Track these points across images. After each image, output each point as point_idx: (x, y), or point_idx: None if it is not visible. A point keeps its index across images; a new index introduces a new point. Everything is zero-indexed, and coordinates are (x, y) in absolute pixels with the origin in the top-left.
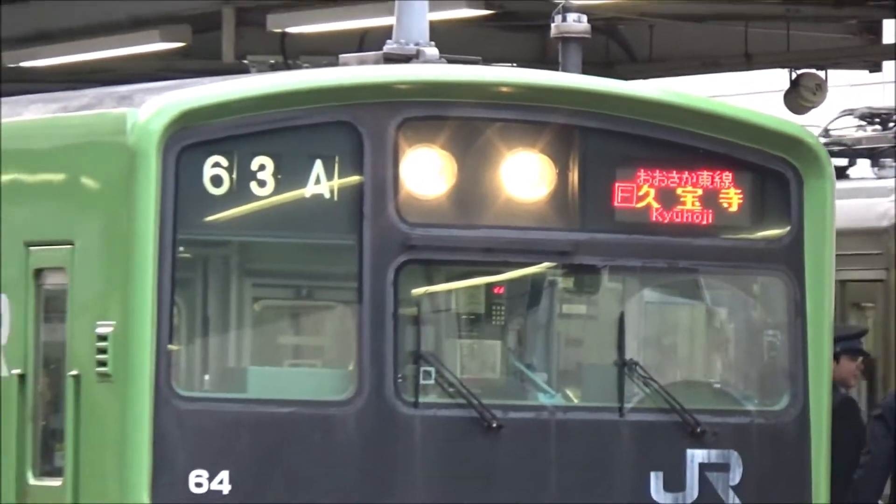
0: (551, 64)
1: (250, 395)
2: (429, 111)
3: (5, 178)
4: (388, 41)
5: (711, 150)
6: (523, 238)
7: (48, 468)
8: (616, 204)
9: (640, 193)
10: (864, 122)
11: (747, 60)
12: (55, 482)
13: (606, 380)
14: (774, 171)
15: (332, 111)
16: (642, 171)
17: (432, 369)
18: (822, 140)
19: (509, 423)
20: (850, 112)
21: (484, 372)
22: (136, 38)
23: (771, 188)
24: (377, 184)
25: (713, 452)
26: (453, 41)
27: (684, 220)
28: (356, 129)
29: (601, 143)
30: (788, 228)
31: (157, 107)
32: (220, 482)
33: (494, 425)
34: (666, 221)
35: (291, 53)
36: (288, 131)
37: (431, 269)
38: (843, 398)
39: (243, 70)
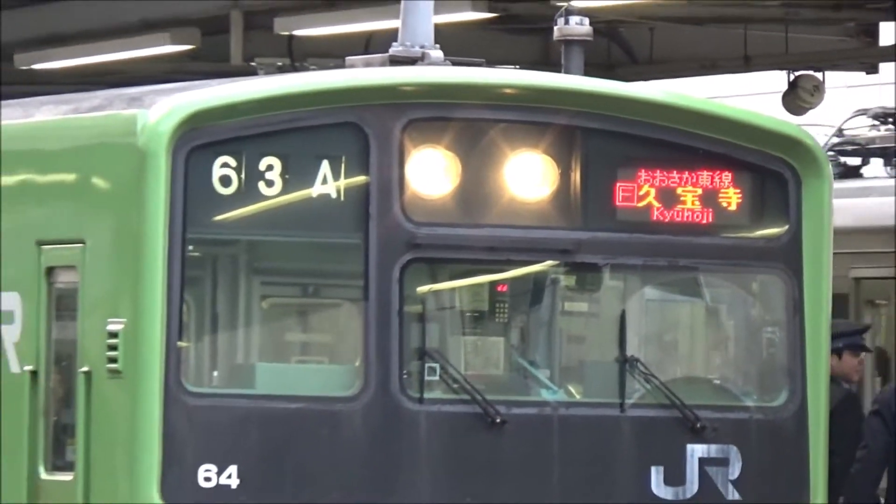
0: (554, 66)
1: (258, 391)
2: (434, 112)
3: (18, 178)
4: (394, 43)
5: (711, 150)
6: (526, 237)
7: (60, 463)
8: (617, 203)
9: (641, 193)
10: (877, 122)
11: (746, 62)
12: (66, 476)
13: (608, 376)
14: (773, 171)
15: (339, 112)
16: (643, 171)
17: (437, 366)
18: (836, 139)
19: (513, 419)
20: (863, 112)
21: (488, 368)
22: (146, 41)
23: (770, 188)
24: (383, 184)
25: (713, 447)
26: (458, 44)
27: (684, 219)
28: (362, 130)
29: (603, 144)
30: (787, 227)
31: (166, 108)
32: (229, 476)
33: (498, 421)
34: (666, 220)
35: (299, 56)
36: (295, 132)
37: (436, 267)
38: (845, 393)
39: (251, 72)
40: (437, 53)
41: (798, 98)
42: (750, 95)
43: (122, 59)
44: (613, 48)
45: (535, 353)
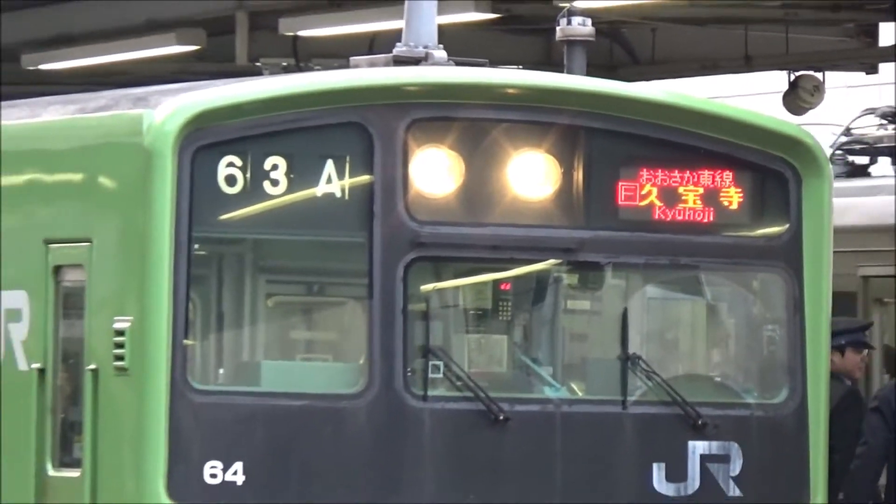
0: (556, 66)
1: (264, 388)
2: (437, 112)
3: (25, 177)
4: (398, 44)
5: (712, 149)
6: (529, 235)
7: (67, 459)
8: (619, 202)
9: (643, 192)
10: (885, 121)
11: (747, 63)
12: (74, 473)
13: (610, 373)
14: (774, 170)
15: (343, 112)
16: (645, 170)
17: (441, 363)
18: (844, 138)
19: (516, 416)
20: (871, 111)
21: (491, 366)
22: (152, 42)
23: (770, 187)
24: (387, 183)
25: (714, 444)
26: (461, 44)
27: (686, 218)
28: (366, 129)
29: (605, 144)
30: (787, 226)
31: (172, 108)
32: (235, 473)
33: (501, 418)
34: (668, 219)
35: (303, 56)
36: (300, 132)
37: (440, 265)
38: (848, 390)
39: (256, 72)
40: (441, 54)
41: (798, 98)
42: (751, 95)
43: (129, 59)
44: (615, 49)
45: (538, 351)
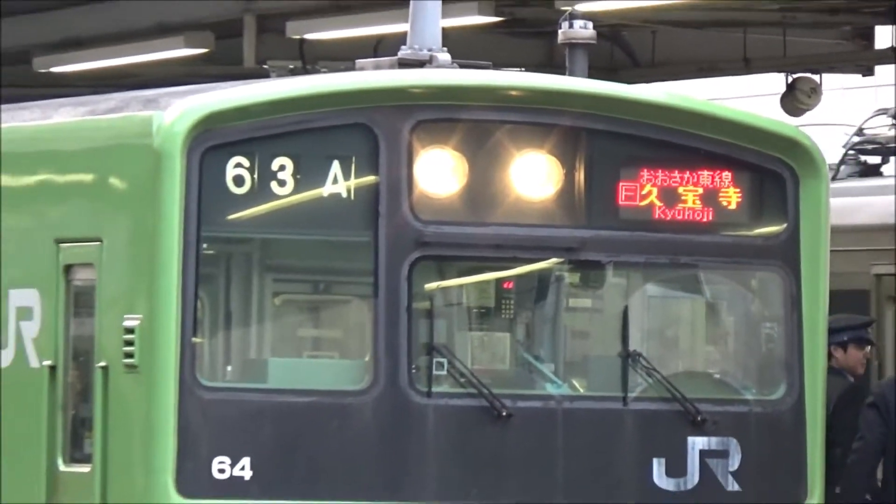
0: (558, 68)
1: (271, 385)
2: (441, 114)
3: (36, 178)
4: (403, 47)
5: (711, 150)
6: (532, 235)
7: (77, 455)
8: (620, 202)
9: (644, 192)
10: None
11: (746, 65)
12: (84, 468)
13: (611, 370)
14: (772, 170)
15: (349, 114)
16: (645, 170)
17: (445, 360)
18: (856, 138)
19: (518, 412)
20: (884, 111)
21: (494, 363)
22: (161, 45)
23: (768, 187)
24: (392, 183)
25: (713, 440)
26: (465, 47)
27: (685, 217)
28: (372, 131)
29: (606, 145)
30: (785, 226)
31: (181, 110)
32: (242, 468)
33: (504, 414)
34: (668, 219)
35: (310, 59)
36: (306, 133)
37: (444, 264)
38: (849, 386)
39: (264, 75)
40: (445, 56)
41: (796, 100)
42: (749, 97)
43: (138, 62)
44: (616, 51)
45: (540, 349)
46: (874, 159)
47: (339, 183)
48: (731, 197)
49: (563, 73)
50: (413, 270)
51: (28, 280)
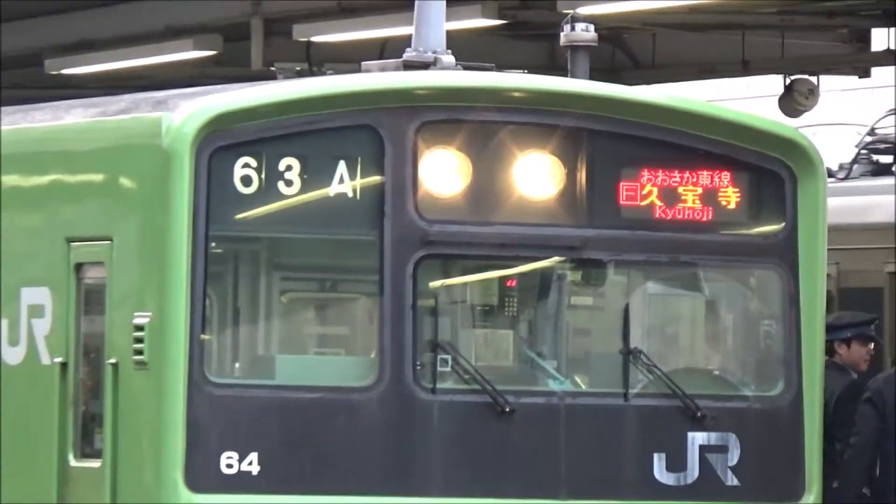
0: (560, 70)
1: (278, 381)
2: (446, 115)
3: (48, 178)
4: (408, 49)
5: (711, 151)
6: (534, 234)
7: (88, 450)
8: (621, 202)
9: (644, 192)
10: None
11: (744, 67)
12: (95, 463)
13: (612, 367)
14: (770, 170)
15: (355, 115)
16: (646, 170)
17: (449, 357)
18: (868, 138)
19: (521, 408)
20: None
21: (497, 360)
22: (170, 47)
23: (767, 187)
24: (397, 183)
25: (712, 435)
26: (469, 49)
27: (685, 217)
28: (377, 132)
29: (607, 145)
30: (783, 225)
31: (190, 111)
32: (250, 463)
33: (507, 410)
34: (668, 218)
35: (316, 61)
36: (313, 134)
37: (448, 263)
38: (851, 382)
39: (271, 77)
40: (449, 59)
41: (794, 101)
42: (748, 98)
43: (148, 64)
44: (617, 53)
45: (543, 345)
46: (886, 158)
47: (345, 183)
48: (731, 196)
49: (565, 75)
50: (418, 269)
51: (40, 278)
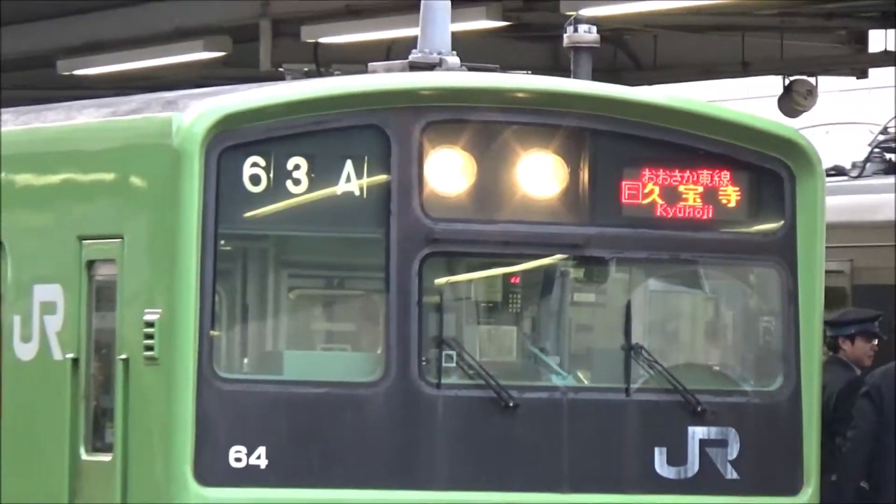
0: (563, 71)
1: (286, 376)
2: (451, 115)
3: (60, 176)
4: (413, 50)
5: (711, 150)
6: (538, 232)
7: (99, 444)
8: (623, 201)
9: (646, 191)
10: None
11: (744, 68)
12: (106, 457)
13: (614, 362)
14: (769, 170)
15: (362, 115)
16: (647, 170)
17: (454, 353)
18: (881, 137)
19: (525, 403)
20: None
21: (501, 355)
22: (180, 48)
23: (766, 186)
24: (403, 182)
25: (713, 430)
26: (473, 51)
27: (686, 215)
28: (384, 131)
29: (609, 145)
30: (782, 223)
31: (200, 111)
32: (258, 457)
33: (511, 405)
34: (669, 217)
35: (324, 62)
36: (321, 134)
37: (453, 260)
38: (853, 377)
39: (279, 77)
40: (454, 60)
41: (792, 101)
42: (747, 99)
43: (158, 65)
44: (619, 54)
45: (546, 341)
46: None
47: (351, 182)
48: (731, 195)
49: (568, 76)
50: (423, 266)
51: (52, 275)
